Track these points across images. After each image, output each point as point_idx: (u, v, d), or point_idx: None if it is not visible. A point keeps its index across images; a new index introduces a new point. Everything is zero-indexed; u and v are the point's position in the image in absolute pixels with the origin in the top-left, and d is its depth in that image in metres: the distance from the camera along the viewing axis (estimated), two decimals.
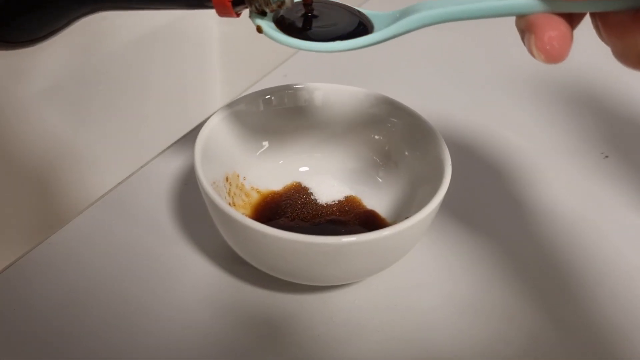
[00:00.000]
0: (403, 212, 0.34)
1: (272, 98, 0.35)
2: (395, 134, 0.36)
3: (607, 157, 0.43)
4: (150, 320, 0.30)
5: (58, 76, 0.30)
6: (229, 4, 0.22)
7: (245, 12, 0.24)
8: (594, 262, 0.35)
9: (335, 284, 0.32)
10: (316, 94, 0.36)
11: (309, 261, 0.28)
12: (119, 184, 0.39)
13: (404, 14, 0.24)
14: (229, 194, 0.34)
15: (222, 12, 0.22)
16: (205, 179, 0.29)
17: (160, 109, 0.40)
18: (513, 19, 0.23)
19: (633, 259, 0.35)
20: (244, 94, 0.35)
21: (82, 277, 0.32)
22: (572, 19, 0.22)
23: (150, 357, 0.29)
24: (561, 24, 0.21)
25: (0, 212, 0.32)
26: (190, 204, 0.37)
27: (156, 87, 0.39)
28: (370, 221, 0.35)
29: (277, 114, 0.36)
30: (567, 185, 0.40)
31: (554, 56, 0.21)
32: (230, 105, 0.34)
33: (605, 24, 0.21)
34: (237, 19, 0.23)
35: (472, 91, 0.50)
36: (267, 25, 0.24)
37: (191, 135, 0.43)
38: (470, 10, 0.22)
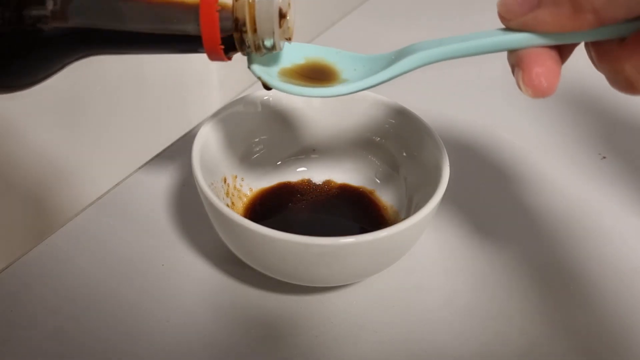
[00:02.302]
0: (401, 213, 0.34)
1: (270, 99, 0.35)
2: (393, 135, 0.36)
3: (604, 157, 0.43)
4: (148, 322, 0.30)
5: (54, 77, 0.30)
6: (221, 50, 0.22)
7: None
8: (592, 263, 0.35)
9: (333, 285, 0.32)
10: None
11: (307, 262, 0.28)
12: (117, 185, 0.39)
13: (399, 55, 0.24)
14: (227, 195, 0.34)
15: (214, 58, 0.23)
16: (203, 180, 0.29)
17: (158, 111, 0.40)
18: None
19: (631, 259, 0.35)
20: (241, 95, 0.35)
21: (80, 279, 0.32)
22: (563, 52, 0.22)
23: (148, 358, 0.29)
24: (549, 59, 0.22)
25: None
26: (189, 205, 0.37)
27: (154, 88, 0.39)
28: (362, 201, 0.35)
29: (275, 115, 0.36)
30: (565, 186, 0.40)
31: (541, 91, 0.21)
32: (228, 107, 0.34)
33: (597, 52, 0.22)
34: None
35: (469, 92, 0.50)
36: (266, 73, 0.25)
37: (189, 137, 0.43)
38: (463, 49, 0.23)
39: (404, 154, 0.35)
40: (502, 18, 0.22)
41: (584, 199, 0.39)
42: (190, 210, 0.37)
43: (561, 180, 0.41)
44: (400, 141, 0.35)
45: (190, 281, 0.33)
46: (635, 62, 0.20)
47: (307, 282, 0.31)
